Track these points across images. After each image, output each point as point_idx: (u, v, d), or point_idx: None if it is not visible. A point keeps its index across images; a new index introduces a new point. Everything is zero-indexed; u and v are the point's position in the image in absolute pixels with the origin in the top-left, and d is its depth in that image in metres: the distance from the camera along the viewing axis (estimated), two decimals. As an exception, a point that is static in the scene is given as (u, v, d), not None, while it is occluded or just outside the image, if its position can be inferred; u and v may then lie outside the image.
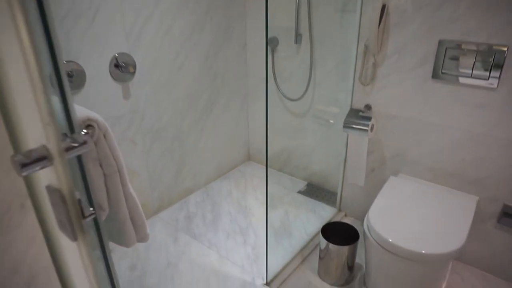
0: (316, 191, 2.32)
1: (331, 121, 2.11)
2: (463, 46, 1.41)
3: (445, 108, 1.54)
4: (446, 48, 1.45)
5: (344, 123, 1.72)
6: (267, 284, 1.59)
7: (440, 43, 1.46)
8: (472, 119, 1.49)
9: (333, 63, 1.95)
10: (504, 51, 1.33)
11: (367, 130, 1.66)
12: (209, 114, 2.24)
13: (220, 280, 1.61)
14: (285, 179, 2.49)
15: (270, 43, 2.15)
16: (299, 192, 2.33)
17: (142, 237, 1.27)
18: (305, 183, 2.41)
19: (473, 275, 1.67)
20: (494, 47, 1.35)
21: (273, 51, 2.17)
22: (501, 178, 1.50)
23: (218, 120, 2.33)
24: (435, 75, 1.51)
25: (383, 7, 1.51)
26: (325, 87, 2.04)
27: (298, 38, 2.03)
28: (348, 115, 1.73)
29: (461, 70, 1.44)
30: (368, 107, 1.75)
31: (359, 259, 1.73)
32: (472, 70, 1.42)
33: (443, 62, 1.47)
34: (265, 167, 1.59)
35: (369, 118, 1.67)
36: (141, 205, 1.38)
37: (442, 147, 1.61)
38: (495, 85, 1.39)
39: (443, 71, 1.48)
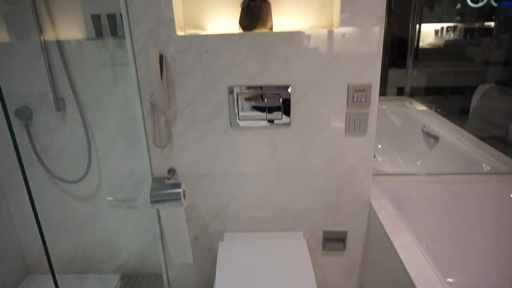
0: (135, 281, 1.85)
1: (132, 197, 1.72)
2: (252, 90, 1.36)
3: (251, 154, 1.46)
4: (237, 94, 1.36)
5: (151, 198, 1.38)
6: None
7: (230, 89, 1.36)
8: (278, 159, 1.46)
9: (115, 128, 1.59)
10: (288, 89, 1.35)
11: (180, 199, 1.38)
12: None
13: None
14: (91, 281, 1.89)
15: (20, 116, 1.57)
16: (113, 292, 1.80)
17: None
18: (118, 276, 1.90)
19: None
20: (278, 87, 1.35)
21: (27, 126, 1.60)
22: (314, 207, 1.53)
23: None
24: (233, 123, 1.40)
25: (161, 57, 1.29)
26: (113, 158, 1.64)
27: (60, 103, 1.56)
28: (153, 187, 1.40)
29: (256, 113, 1.39)
30: (172, 171, 1.48)
31: None
32: (266, 112, 1.38)
33: (238, 108, 1.38)
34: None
35: (178, 185, 1.40)
36: None
37: (258, 194, 1.52)
38: (288, 121, 1.40)
39: (240, 117, 1.39)
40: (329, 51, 1.29)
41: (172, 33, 1.29)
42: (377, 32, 1.26)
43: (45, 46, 1.47)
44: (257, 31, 1.30)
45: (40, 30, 1.45)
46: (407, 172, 2.35)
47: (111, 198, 1.69)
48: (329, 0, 1.33)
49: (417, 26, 3.36)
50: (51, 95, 1.53)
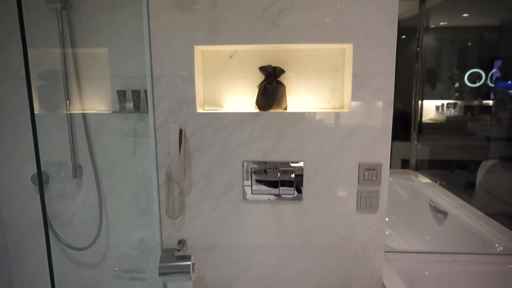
0: None
1: (138, 267, 1.69)
2: (266, 165, 1.40)
3: (262, 228, 1.46)
4: (251, 169, 1.41)
5: (160, 270, 1.36)
6: None
7: (244, 164, 1.41)
8: (289, 234, 1.45)
9: (128, 195, 1.61)
10: (300, 166, 1.39)
11: (189, 272, 1.35)
12: None
13: None
14: None
15: (36, 181, 1.61)
16: None
17: None
18: None
19: None
20: (291, 164, 1.39)
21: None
22: (326, 285, 1.48)
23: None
24: (246, 197, 1.43)
25: (180, 132, 1.36)
26: (123, 226, 1.65)
27: (77, 170, 1.61)
28: (162, 258, 1.39)
29: (269, 188, 1.42)
30: (182, 243, 1.47)
31: None
32: (279, 187, 1.41)
33: (251, 182, 1.42)
34: None
35: (188, 258, 1.38)
36: None
37: (268, 269, 1.49)
38: (300, 197, 1.42)
39: (253, 191, 1.42)
40: (340, 131, 1.36)
41: (192, 110, 1.38)
42: (386, 115, 1.34)
43: (70, 118, 1.56)
44: (273, 111, 1.38)
45: (68, 103, 1.55)
46: (417, 249, 2.30)
47: (117, 268, 1.66)
48: (339, 84, 1.44)
49: (419, 102, 3.52)
50: (70, 162, 1.58)
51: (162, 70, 1.36)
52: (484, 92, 3.82)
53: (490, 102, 3.82)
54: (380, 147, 1.37)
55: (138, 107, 1.53)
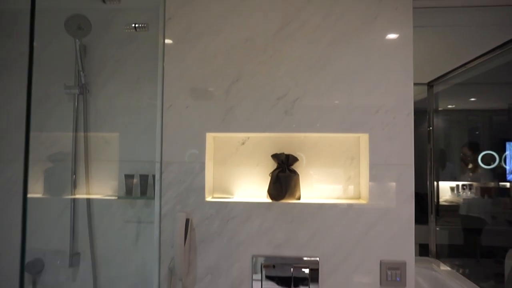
0: None
1: None
2: (278, 260, 1.28)
3: (274, 334, 1.28)
4: (261, 264, 1.29)
5: None
6: None
7: (254, 258, 1.29)
8: None
9: (126, 289, 1.47)
10: (316, 263, 1.27)
11: None
12: None
13: None
14: None
15: (30, 270, 1.50)
16: None
17: None
18: None
19: None
20: (305, 259, 1.27)
21: (34, 282, 1.51)
22: None
23: None
24: (255, 295, 1.28)
25: (187, 221, 1.28)
26: (117, 324, 1.48)
27: (74, 259, 1.50)
28: None
29: (280, 287, 1.28)
30: None
31: None
32: (292, 285, 1.27)
33: (261, 278, 1.28)
34: None
35: None
36: None
37: None
38: (316, 298, 1.27)
39: (263, 289, 1.28)
40: (359, 225, 1.26)
41: (201, 198, 1.31)
42: (408, 209, 1.25)
43: (74, 202, 1.50)
44: (285, 201, 1.30)
45: (74, 187, 1.51)
46: None
47: None
48: (356, 173, 1.38)
49: (435, 182, 3.41)
50: (68, 249, 1.48)
51: (173, 156, 1.33)
52: (499, 173, 3.73)
53: (507, 184, 3.70)
54: (403, 243, 1.25)
55: (145, 193, 1.47)
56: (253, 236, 1.29)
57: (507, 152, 3.62)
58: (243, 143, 1.42)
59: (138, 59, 1.56)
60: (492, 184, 3.84)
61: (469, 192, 3.79)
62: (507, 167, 3.63)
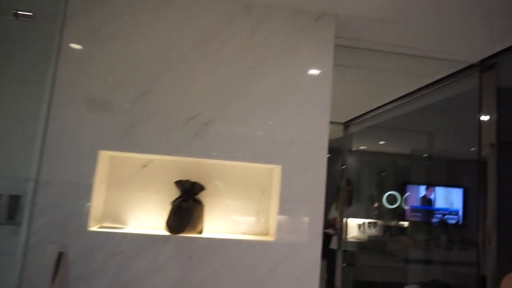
0: None
1: None
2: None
3: None
4: (149, 309, 1.09)
5: None
6: None
7: (142, 301, 1.10)
8: None
9: None
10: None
11: None
12: None
13: None
14: None
15: None
16: None
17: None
18: None
19: None
20: (203, 303, 1.12)
21: None
22: None
23: None
24: None
25: (60, 255, 1.05)
26: None
27: None
28: None
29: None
30: None
31: None
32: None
33: (148, 327, 1.09)
34: None
35: None
36: None
37: None
38: None
39: None
40: (265, 264, 1.16)
41: (83, 227, 1.09)
42: (314, 249, 1.18)
43: None
44: (185, 234, 1.15)
45: None
46: None
47: None
48: (265, 207, 1.29)
49: (344, 219, 3.51)
50: None
51: (53, 175, 1.10)
52: (399, 214, 4.03)
53: (405, 223, 4.00)
54: (309, 285, 1.17)
55: (13, 217, 1.19)
56: (142, 275, 1.10)
57: (407, 194, 3.94)
58: (144, 166, 1.25)
59: (30, 58, 1.33)
60: (393, 223, 4.12)
61: (373, 230, 4.00)
62: (406, 207, 3.94)
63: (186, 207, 1.16)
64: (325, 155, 1.23)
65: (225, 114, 1.20)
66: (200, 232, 1.19)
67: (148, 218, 1.23)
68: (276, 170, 1.26)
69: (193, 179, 1.22)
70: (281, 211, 1.19)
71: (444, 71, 1.58)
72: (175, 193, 1.22)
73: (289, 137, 1.22)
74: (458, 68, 1.51)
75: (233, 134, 1.19)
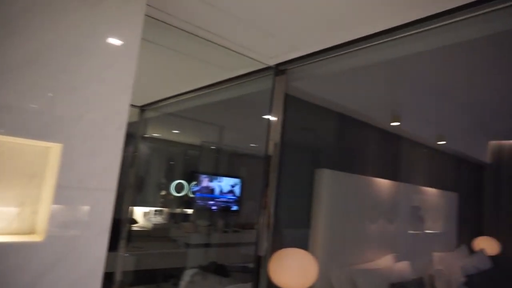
0: None
1: None
2: None
3: None
4: None
5: None
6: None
7: None
8: None
9: None
10: None
11: None
12: None
13: None
14: None
15: None
16: None
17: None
18: None
19: None
20: None
21: None
22: None
23: None
24: None
25: None
26: None
27: None
28: None
29: None
30: None
31: None
32: None
33: None
34: None
35: None
36: None
37: None
38: None
39: None
40: (29, 271, 0.88)
41: None
42: (99, 249, 1.00)
43: None
44: None
45: None
46: None
47: None
48: (34, 198, 0.99)
49: (130, 208, 3.32)
50: None
51: None
52: (186, 201, 4.18)
53: (190, 211, 4.19)
54: (86, 290, 0.97)
55: None
56: None
57: (193, 182, 4.12)
58: None
59: None
60: (178, 210, 4.23)
61: (159, 218, 3.98)
62: (192, 195, 4.14)
63: None
64: (121, 136, 1.06)
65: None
66: None
67: None
68: (54, 149, 0.99)
69: None
70: (57, 201, 0.93)
71: (245, 68, 1.68)
72: None
73: (77, 111, 0.98)
74: (257, 68, 1.64)
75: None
